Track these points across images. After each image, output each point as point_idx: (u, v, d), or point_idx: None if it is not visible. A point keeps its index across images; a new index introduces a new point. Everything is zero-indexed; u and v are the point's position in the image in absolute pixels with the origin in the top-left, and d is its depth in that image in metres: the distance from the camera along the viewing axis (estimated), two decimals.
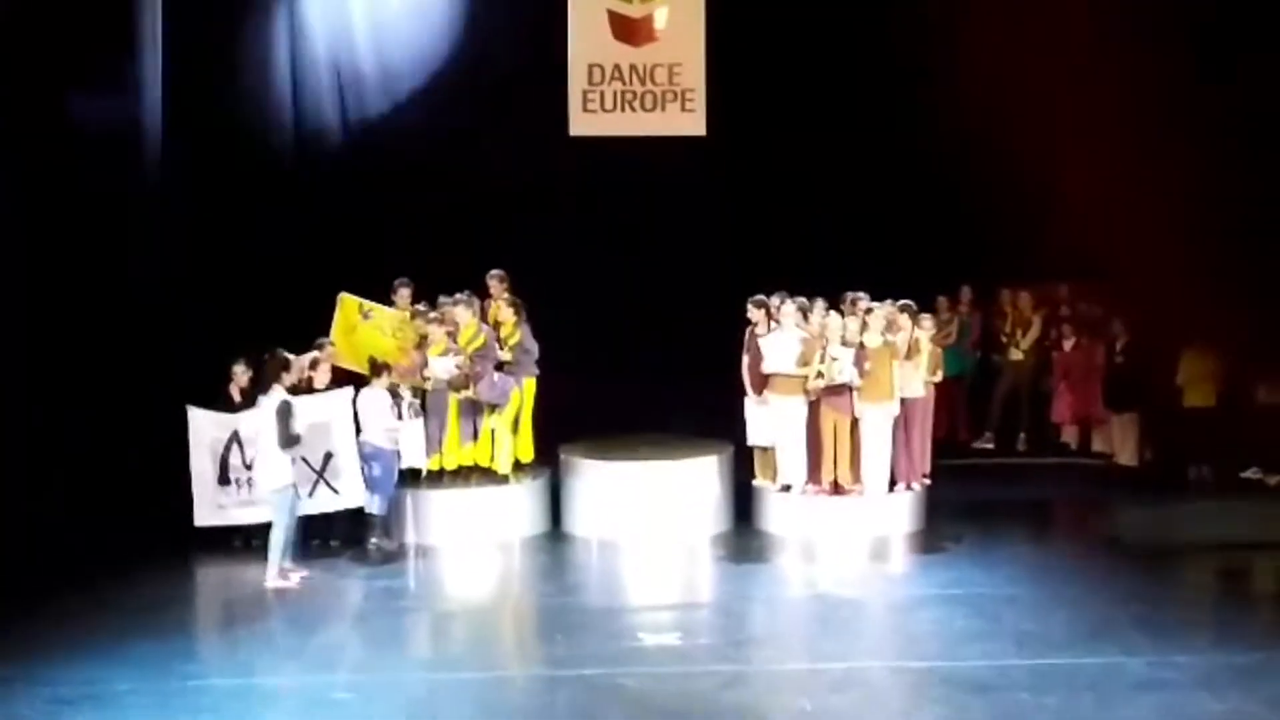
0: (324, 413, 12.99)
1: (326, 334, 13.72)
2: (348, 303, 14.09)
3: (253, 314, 14.60)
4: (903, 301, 13.83)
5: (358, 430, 12.93)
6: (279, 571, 11.94)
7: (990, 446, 17.02)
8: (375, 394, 12.93)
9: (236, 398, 13.26)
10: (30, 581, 11.78)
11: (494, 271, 13.95)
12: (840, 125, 16.77)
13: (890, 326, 13.54)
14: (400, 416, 13.05)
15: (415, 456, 13.33)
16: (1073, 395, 16.83)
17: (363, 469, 12.92)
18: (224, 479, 13.15)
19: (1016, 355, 17.07)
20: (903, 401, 13.47)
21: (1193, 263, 14.54)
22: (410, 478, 13.47)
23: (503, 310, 13.86)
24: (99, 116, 14.04)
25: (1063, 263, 16.74)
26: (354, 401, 12.95)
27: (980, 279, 17.23)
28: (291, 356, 12.65)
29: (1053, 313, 17.24)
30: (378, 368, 13.00)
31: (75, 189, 13.58)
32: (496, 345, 13.63)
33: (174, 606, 11.59)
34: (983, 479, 15.59)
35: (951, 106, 15.82)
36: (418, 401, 13.42)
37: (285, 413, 11.80)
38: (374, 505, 12.91)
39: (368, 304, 14.12)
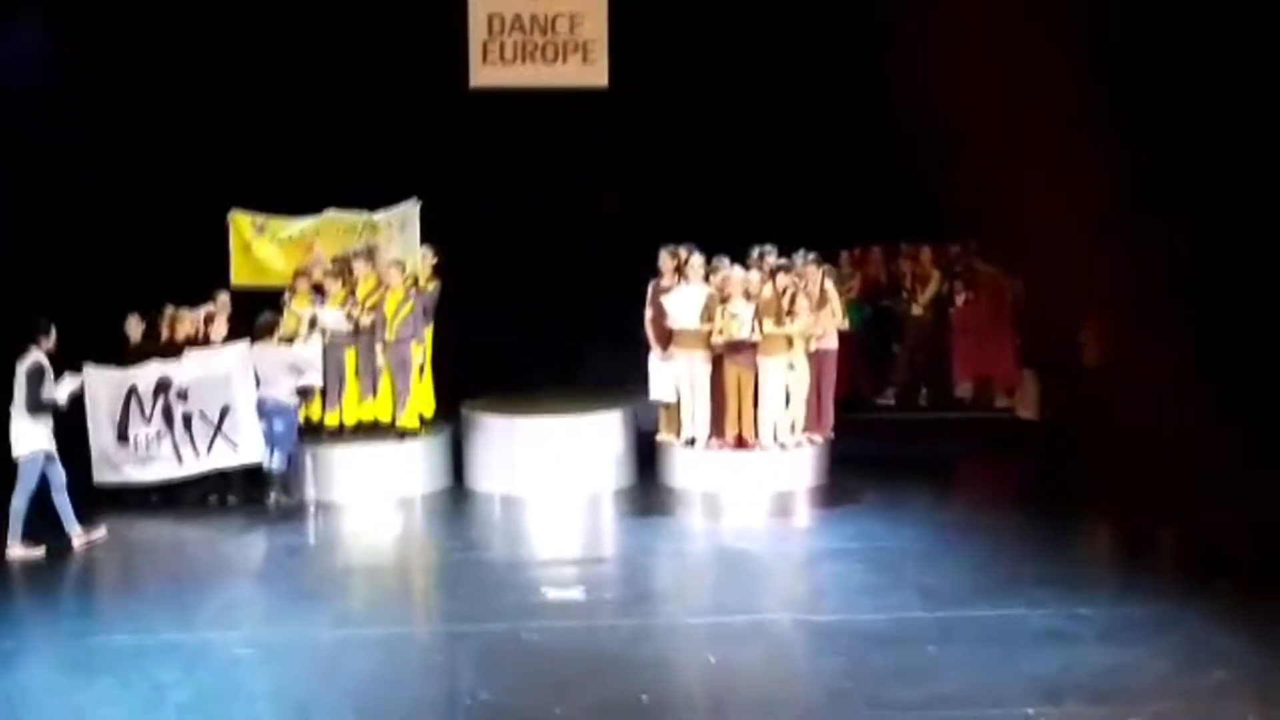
0: (221, 366, 12.84)
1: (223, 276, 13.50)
2: (239, 220, 13.87)
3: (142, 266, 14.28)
4: (811, 254, 13.82)
5: (257, 384, 12.75)
6: (20, 543, 11.42)
7: (892, 402, 17.12)
8: (271, 349, 12.73)
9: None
10: None
11: None
12: (745, 77, 16.68)
13: (798, 278, 13.53)
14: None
15: (314, 376, 13.19)
16: (971, 351, 16.93)
17: (262, 424, 12.74)
18: (123, 436, 12.92)
19: (916, 310, 17.12)
20: (811, 355, 13.47)
21: (1095, 225, 14.72)
22: (309, 433, 13.32)
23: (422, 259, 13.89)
24: None
25: (964, 221, 16.80)
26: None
27: (881, 235, 17.27)
28: (186, 311, 12.48)
29: (950, 270, 17.32)
30: (269, 325, 12.80)
31: None
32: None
33: (69, 564, 11.36)
34: (885, 434, 15.64)
35: (857, 56, 15.81)
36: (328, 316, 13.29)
37: (38, 375, 11.34)
38: (274, 461, 12.74)
39: (260, 218, 13.90)
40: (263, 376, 12.75)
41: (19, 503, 11.35)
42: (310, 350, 13.11)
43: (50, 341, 11.50)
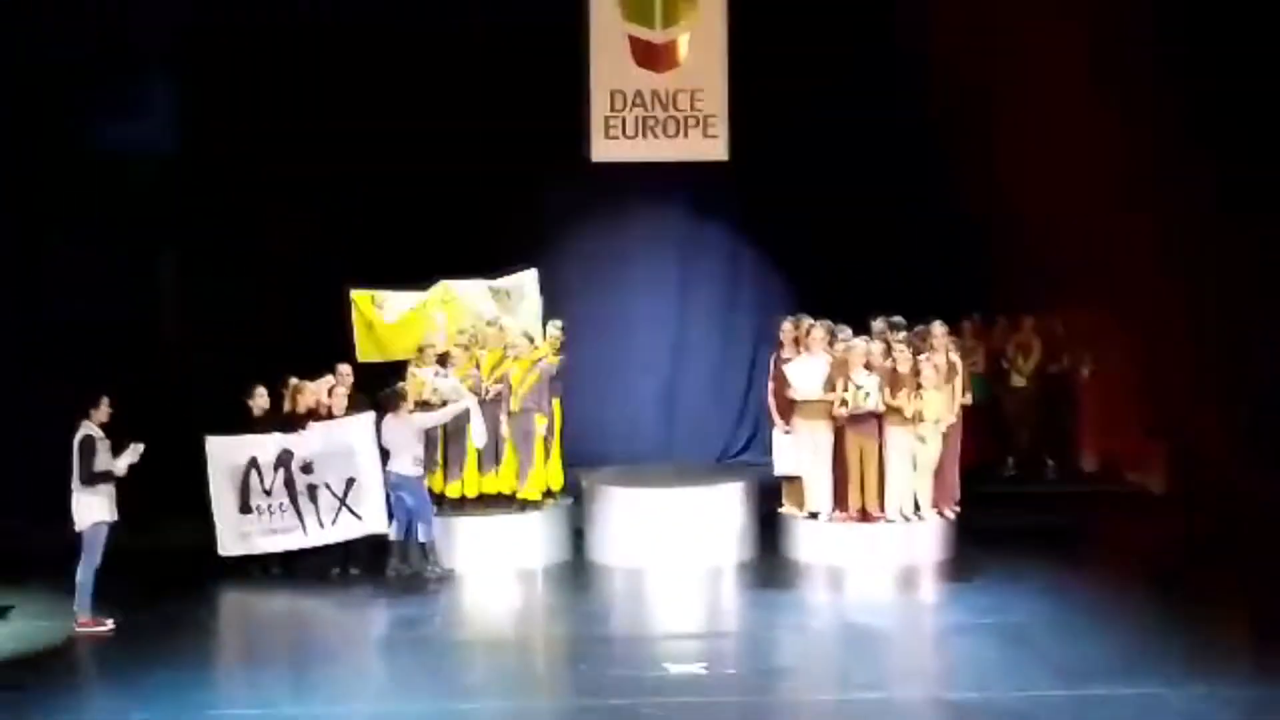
0: (344, 437, 12.90)
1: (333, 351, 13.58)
2: (360, 299, 13.96)
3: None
4: (938, 324, 13.65)
5: (384, 458, 12.79)
6: (89, 618, 11.33)
7: (1013, 473, 16.83)
8: (400, 421, 12.77)
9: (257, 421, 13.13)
10: (51, 608, 11.70)
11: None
12: (859, 153, 16.63)
13: (922, 349, 13.35)
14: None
15: (479, 436, 13.25)
16: (1097, 423, 16.63)
17: (389, 498, 12.76)
18: (245, 507, 12.99)
19: (1019, 381, 16.86)
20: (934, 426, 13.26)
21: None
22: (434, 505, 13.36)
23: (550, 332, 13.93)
24: None
25: (1058, 292, 16.73)
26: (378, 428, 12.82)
27: (983, 308, 17.05)
28: (308, 384, 12.61)
29: (1052, 339, 17.07)
30: (398, 396, 12.83)
31: None
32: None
33: (194, 636, 11.41)
34: (1011, 508, 15.29)
35: (963, 135, 15.76)
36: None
37: (89, 448, 11.30)
38: (420, 534, 12.82)
39: (380, 294, 13.99)
40: (391, 449, 12.77)
41: (84, 576, 11.32)
42: (450, 383, 13.20)
43: (102, 413, 11.48)
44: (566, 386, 13.97)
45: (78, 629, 11.27)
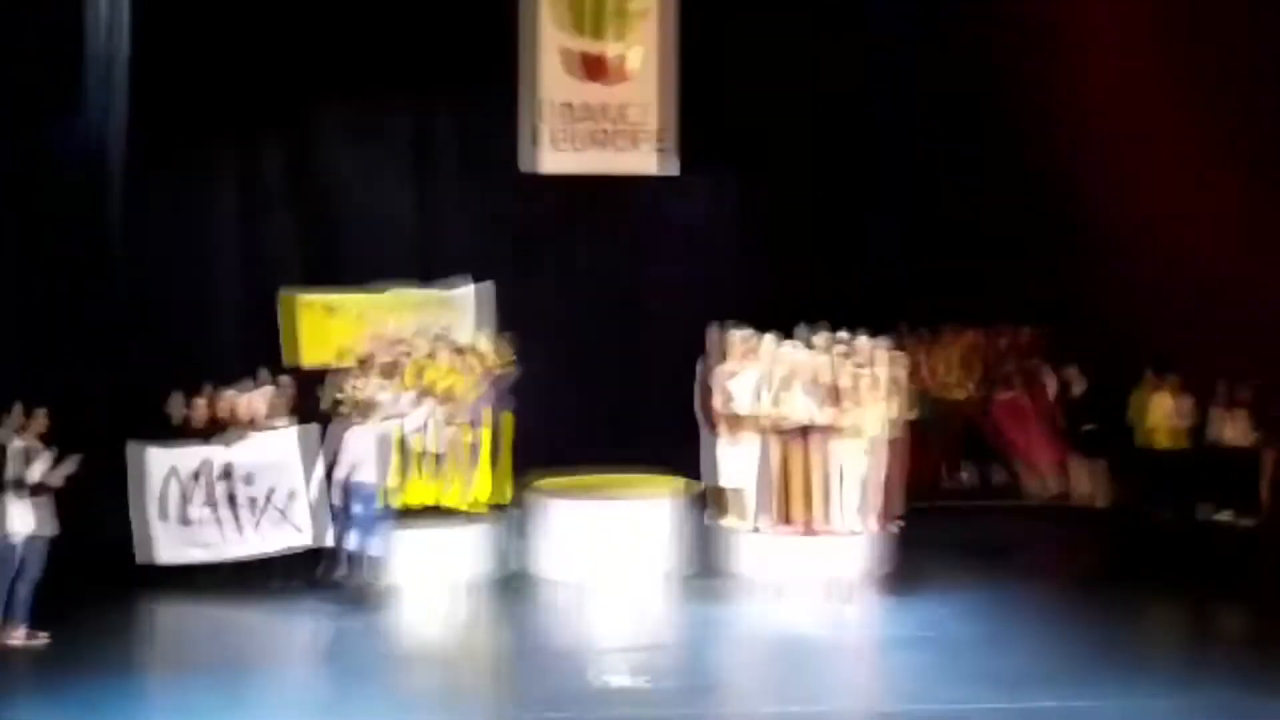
0: (280, 449, 12.81)
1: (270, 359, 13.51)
2: (308, 303, 13.91)
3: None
4: (879, 339, 13.73)
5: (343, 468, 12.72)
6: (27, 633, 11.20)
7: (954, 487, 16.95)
8: (364, 432, 12.70)
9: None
10: None
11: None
12: (810, 166, 16.74)
13: (864, 363, 13.43)
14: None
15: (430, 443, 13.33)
16: (1024, 440, 16.79)
17: (349, 508, 12.65)
18: (167, 516, 12.83)
19: (959, 395, 16.99)
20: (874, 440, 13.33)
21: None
22: None
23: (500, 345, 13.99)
24: None
25: (1005, 306, 16.93)
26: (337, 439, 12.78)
27: (928, 321, 17.16)
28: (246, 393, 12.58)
29: (990, 357, 17.22)
30: (359, 407, 12.77)
31: None
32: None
33: (125, 646, 11.35)
34: (951, 520, 15.38)
35: (915, 141, 15.93)
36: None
37: (25, 456, 11.15)
38: (370, 546, 12.72)
39: (331, 298, 13.97)
40: (354, 459, 12.71)
41: (24, 589, 11.18)
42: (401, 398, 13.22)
43: (39, 424, 11.31)
44: (515, 398, 13.97)
45: (11, 642, 11.14)
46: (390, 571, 12.95)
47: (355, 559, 12.74)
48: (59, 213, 14.49)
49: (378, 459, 12.85)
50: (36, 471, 11.21)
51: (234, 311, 14.74)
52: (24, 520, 11.17)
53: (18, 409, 11.34)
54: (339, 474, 12.69)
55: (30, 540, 11.20)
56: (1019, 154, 16.12)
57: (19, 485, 11.13)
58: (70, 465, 11.38)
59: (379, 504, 12.86)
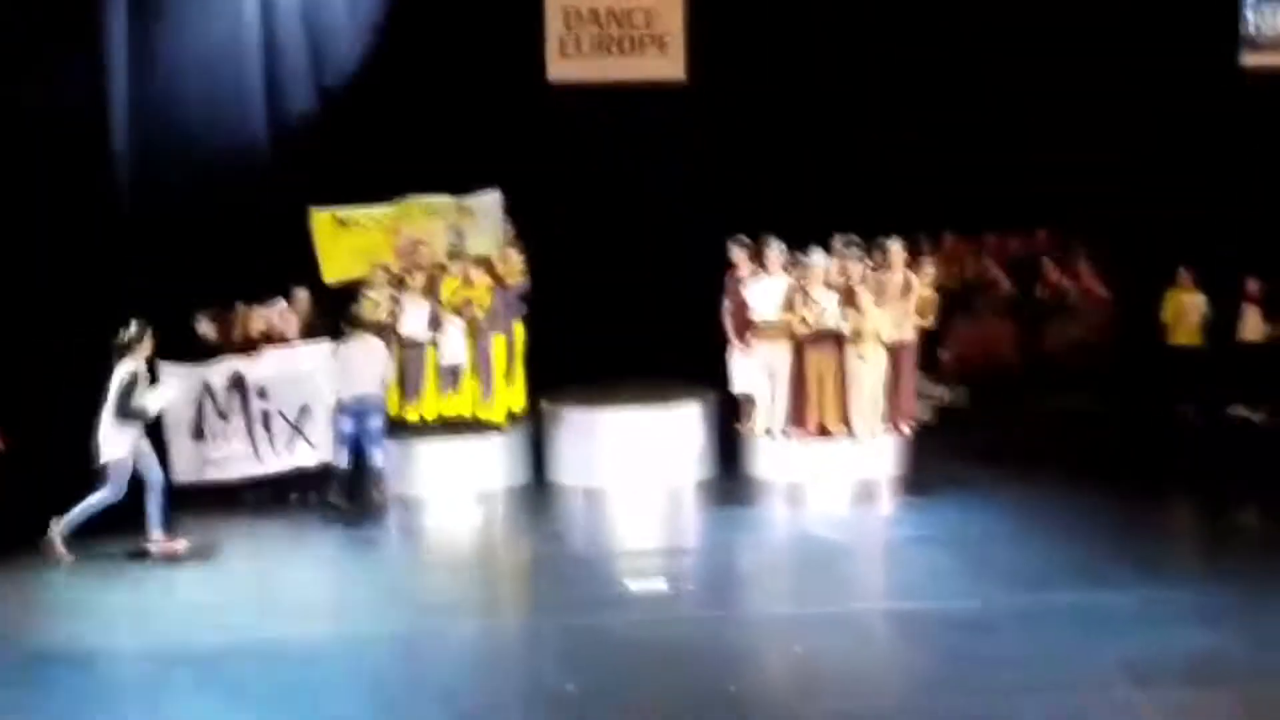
0: (300, 365, 12.83)
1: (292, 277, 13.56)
2: (320, 218, 13.88)
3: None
4: (894, 241, 13.69)
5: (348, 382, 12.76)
6: (59, 544, 11.23)
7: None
8: (367, 343, 12.72)
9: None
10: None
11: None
12: (823, 69, 16.60)
13: (886, 267, 13.41)
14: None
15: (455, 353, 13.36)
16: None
17: (353, 422, 12.69)
18: (199, 434, 12.94)
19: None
20: (891, 344, 13.33)
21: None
22: (390, 429, 13.35)
23: (511, 254, 13.92)
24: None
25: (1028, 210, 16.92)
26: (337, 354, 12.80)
27: (958, 225, 17.10)
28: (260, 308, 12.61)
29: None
30: (360, 320, 12.78)
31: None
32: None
33: (152, 562, 11.37)
34: (966, 422, 15.40)
35: (939, 49, 15.81)
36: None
37: (129, 386, 11.18)
38: (378, 459, 12.75)
39: (341, 211, 13.93)
40: (357, 373, 12.74)
41: (92, 500, 11.30)
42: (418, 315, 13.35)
43: (146, 349, 11.44)
44: (529, 308, 13.99)
45: (156, 550, 11.36)
46: (401, 483, 13.04)
47: (362, 473, 12.78)
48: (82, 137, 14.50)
49: (380, 372, 12.90)
50: (152, 399, 11.38)
51: (268, 230, 14.65)
52: (137, 440, 11.33)
53: (134, 328, 11.42)
54: (343, 389, 12.72)
55: (146, 457, 11.40)
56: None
57: (137, 412, 11.25)
58: (172, 389, 11.74)
59: (381, 417, 12.88)
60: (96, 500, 11.24)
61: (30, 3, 13.71)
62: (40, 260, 13.70)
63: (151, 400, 11.39)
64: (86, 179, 14.33)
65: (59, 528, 11.21)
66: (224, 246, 14.27)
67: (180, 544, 11.49)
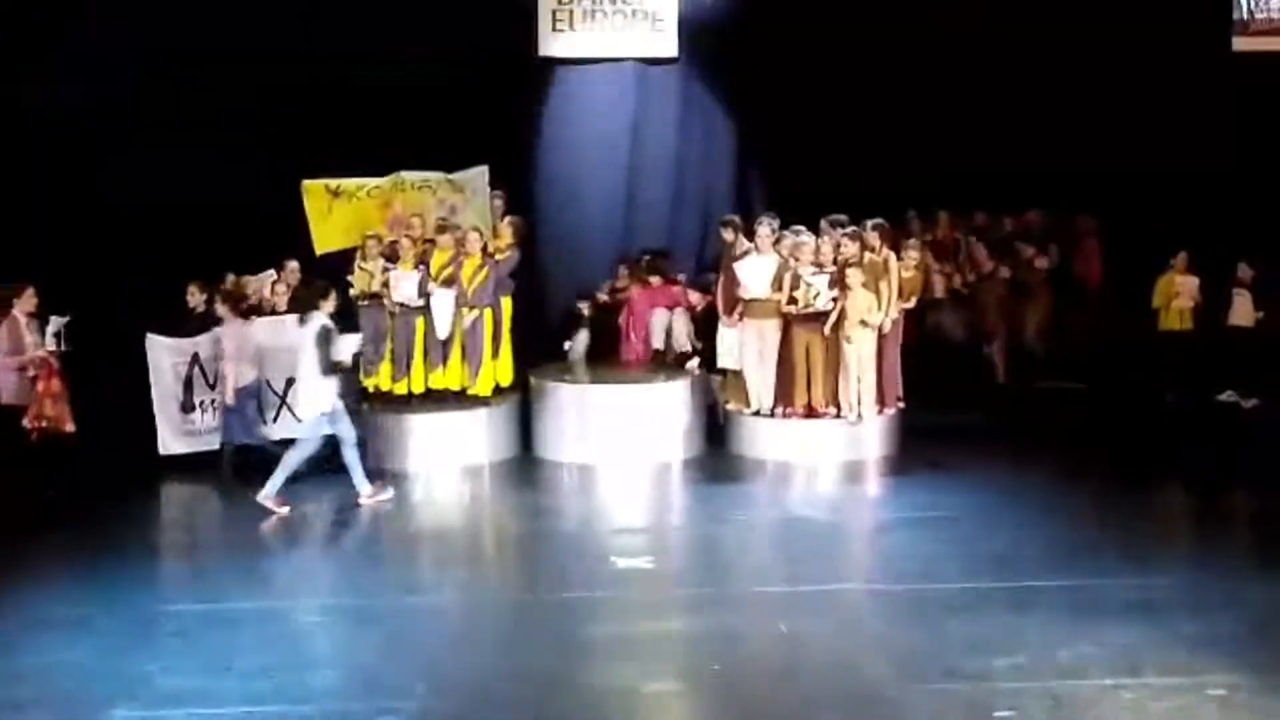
0: (288, 336, 12.79)
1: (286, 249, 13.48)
2: (312, 188, 13.83)
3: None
4: (875, 222, 13.67)
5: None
6: (277, 494, 11.60)
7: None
8: (244, 328, 12.70)
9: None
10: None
11: (496, 191, 14.12)
12: (816, 47, 16.55)
13: (866, 248, 13.39)
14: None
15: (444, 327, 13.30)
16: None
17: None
18: (187, 405, 12.93)
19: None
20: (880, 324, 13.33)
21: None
22: (379, 401, 13.35)
23: (501, 228, 13.93)
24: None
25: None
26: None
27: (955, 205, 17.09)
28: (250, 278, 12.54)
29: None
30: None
31: None
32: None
33: (141, 532, 11.41)
34: (953, 403, 15.39)
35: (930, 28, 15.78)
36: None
37: (327, 338, 11.44)
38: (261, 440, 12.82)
39: (333, 181, 13.89)
40: (238, 355, 12.55)
41: (295, 455, 11.58)
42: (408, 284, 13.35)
43: (331, 304, 11.67)
44: (519, 283, 13.97)
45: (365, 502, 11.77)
46: (389, 456, 13.06)
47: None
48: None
49: (374, 343, 13.08)
50: (345, 351, 11.64)
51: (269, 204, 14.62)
52: (332, 394, 11.54)
53: (321, 286, 11.76)
54: (228, 369, 12.55)
55: (342, 412, 11.63)
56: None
57: (339, 365, 11.52)
58: (357, 341, 12.05)
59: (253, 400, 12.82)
60: (296, 456, 11.54)
61: None
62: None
63: (346, 352, 11.63)
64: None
65: (267, 491, 11.50)
66: (215, 219, 14.28)
67: (388, 493, 11.87)
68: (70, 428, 12.36)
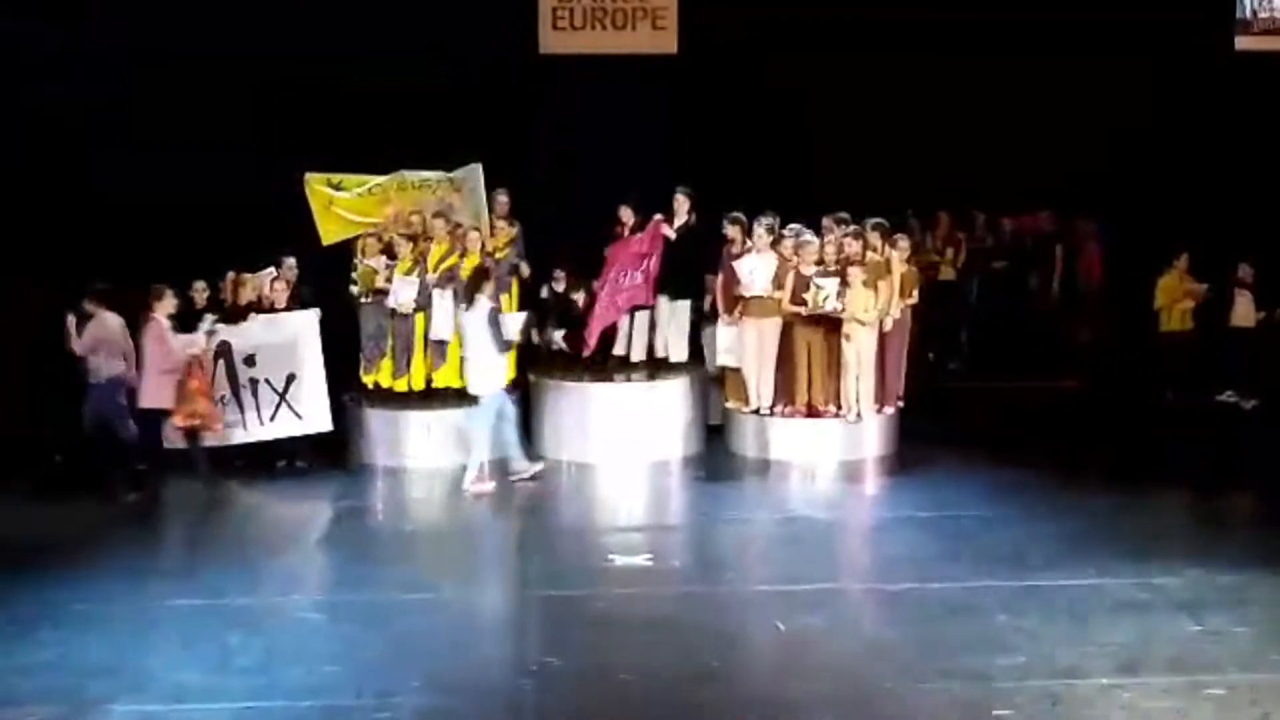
0: (286, 332, 12.79)
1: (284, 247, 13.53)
2: (315, 182, 13.84)
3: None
4: (875, 221, 13.66)
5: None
6: (478, 475, 12.13)
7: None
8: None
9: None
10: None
11: (500, 189, 14.09)
12: (815, 46, 16.53)
13: (868, 248, 13.37)
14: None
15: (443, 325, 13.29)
16: None
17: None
18: None
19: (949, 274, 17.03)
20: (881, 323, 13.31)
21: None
22: (379, 399, 13.34)
23: (499, 225, 13.95)
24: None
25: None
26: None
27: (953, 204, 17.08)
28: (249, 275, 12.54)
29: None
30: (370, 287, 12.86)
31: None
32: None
33: (141, 528, 11.40)
34: (953, 403, 15.37)
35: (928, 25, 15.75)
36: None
37: (495, 319, 12.01)
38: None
39: (335, 176, 13.90)
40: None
41: (488, 436, 12.15)
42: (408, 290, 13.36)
43: (491, 288, 12.20)
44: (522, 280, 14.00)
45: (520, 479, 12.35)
46: (389, 453, 13.09)
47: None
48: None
49: (375, 340, 13.34)
50: (512, 328, 12.35)
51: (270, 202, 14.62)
52: (504, 371, 12.25)
53: (480, 270, 12.42)
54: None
55: (505, 391, 12.31)
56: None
57: (507, 343, 12.14)
58: (523, 319, 12.76)
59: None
60: (488, 435, 12.13)
61: None
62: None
63: (514, 330, 12.35)
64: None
65: (471, 475, 12.13)
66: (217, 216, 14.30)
67: (539, 465, 12.60)
68: (219, 426, 12.56)
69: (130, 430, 11.96)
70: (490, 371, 12.11)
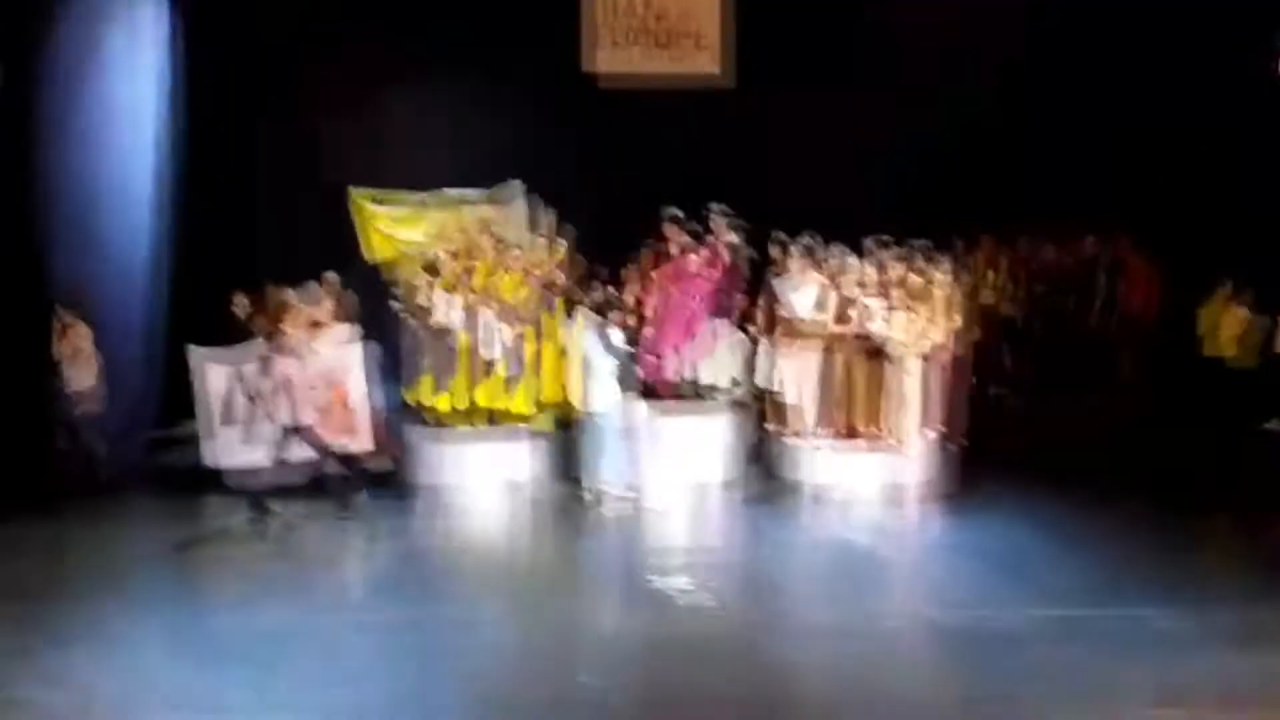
0: (334, 353, 12.78)
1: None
2: (360, 197, 13.93)
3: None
4: (919, 243, 13.59)
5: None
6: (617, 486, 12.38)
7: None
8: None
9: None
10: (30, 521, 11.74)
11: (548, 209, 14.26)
12: (858, 68, 16.50)
13: (912, 270, 13.30)
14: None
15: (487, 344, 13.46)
16: None
17: None
18: (230, 419, 12.90)
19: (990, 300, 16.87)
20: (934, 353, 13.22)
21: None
22: (420, 416, 13.34)
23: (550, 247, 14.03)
24: None
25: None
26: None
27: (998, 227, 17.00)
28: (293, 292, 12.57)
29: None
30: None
31: None
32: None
33: (184, 548, 11.44)
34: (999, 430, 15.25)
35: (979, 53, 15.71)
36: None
37: (604, 333, 12.21)
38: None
39: (379, 192, 14.04)
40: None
41: (609, 453, 12.31)
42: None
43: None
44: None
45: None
46: (432, 472, 13.05)
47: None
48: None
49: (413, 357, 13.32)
50: (619, 342, 12.40)
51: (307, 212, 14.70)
52: (616, 384, 12.33)
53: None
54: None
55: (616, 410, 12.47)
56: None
57: (620, 354, 12.35)
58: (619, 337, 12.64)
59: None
60: (611, 452, 12.31)
61: None
62: None
63: (621, 344, 12.41)
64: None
65: (597, 490, 12.41)
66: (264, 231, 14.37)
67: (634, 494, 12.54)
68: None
69: (100, 443, 12.08)
70: (603, 387, 12.30)
